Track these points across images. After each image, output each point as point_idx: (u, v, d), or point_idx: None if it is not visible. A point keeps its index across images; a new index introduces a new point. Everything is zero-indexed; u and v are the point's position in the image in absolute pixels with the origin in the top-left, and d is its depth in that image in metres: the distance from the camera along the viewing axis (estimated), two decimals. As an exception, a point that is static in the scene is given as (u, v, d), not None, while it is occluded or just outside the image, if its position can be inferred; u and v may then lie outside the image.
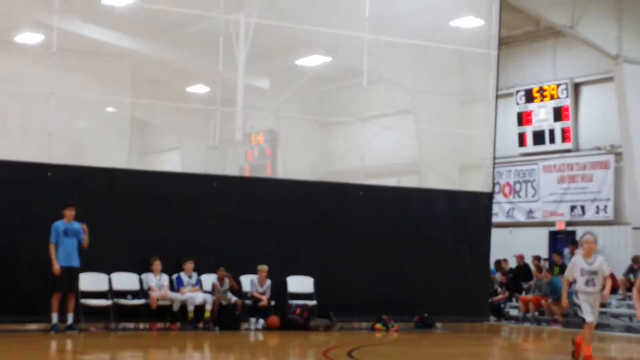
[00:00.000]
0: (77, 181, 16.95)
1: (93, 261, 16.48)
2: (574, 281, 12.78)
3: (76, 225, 16.12)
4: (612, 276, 14.26)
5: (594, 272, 12.67)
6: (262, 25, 19.59)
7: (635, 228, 23.77)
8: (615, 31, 23.35)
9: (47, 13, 17.76)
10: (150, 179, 18.29)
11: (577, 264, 12.75)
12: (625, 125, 23.59)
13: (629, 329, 21.82)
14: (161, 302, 17.45)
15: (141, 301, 17.34)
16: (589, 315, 12.68)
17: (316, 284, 18.77)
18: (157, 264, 17.50)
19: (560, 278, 22.99)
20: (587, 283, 12.70)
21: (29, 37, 20.39)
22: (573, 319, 22.46)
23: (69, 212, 16.11)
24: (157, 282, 17.51)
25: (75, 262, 16.18)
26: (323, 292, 18.67)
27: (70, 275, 16.12)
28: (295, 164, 24.39)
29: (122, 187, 17.46)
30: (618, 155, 24.51)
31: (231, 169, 21.26)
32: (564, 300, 13.29)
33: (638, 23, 23.67)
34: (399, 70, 22.68)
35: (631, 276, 22.05)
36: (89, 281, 16.86)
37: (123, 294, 17.36)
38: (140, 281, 17.57)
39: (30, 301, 16.19)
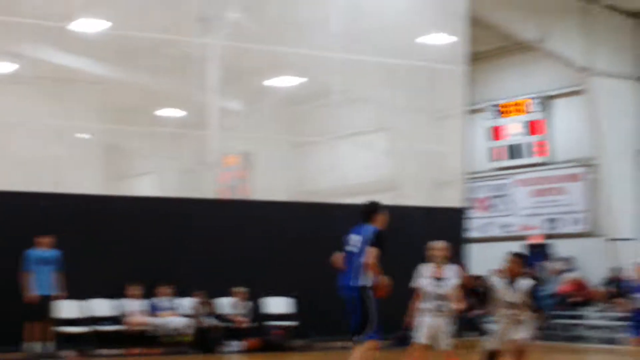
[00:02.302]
0: (51, 208, 16.86)
1: (69, 288, 16.38)
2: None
3: (53, 253, 16.01)
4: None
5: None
6: (232, 48, 19.63)
7: (609, 239, 23.93)
8: (583, 44, 23.56)
9: (17, 41, 17.72)
10: (125, 204, 18.23)
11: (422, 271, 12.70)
12: (597, 137, 23.79)
13: (605, 341, 21.92)
14: (139, 328, 17.35)
15: (119, 327, 17.24)
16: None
17: (296, 305, 18.74)
18: (135, 289, 17.42)
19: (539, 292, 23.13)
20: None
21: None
22: (550, 332, 22.56)
23: (45, 240, 16.01)
24: (134, 307, 17.41)
25: (51, 290, 16.06)
26: (303, 312, 18.65)
27: (47, 304, 16.00)
28: (271, 184, 24.37)
29: (96, 213, 17.39)
30: (591, 167, 24.69)
31: (206, 192, 21.19)
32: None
33: (605, 36, 23.90)
34: (371, 88, 22.77)
35: (609, 287, 22.18)
36: (65, 308, 16.75)
37: (101, 320, 17.25)
38: (118, 307, 17.47)
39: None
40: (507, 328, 10.96)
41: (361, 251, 10.14)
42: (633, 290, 14.28)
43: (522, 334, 11.00)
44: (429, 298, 12.03)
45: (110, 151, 23.59)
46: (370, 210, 10.50)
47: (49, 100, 19.91)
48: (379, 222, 10.39)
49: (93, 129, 21.77)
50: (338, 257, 10.41)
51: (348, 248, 10.30)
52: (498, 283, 11.11)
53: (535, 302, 10.67)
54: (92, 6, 19.48)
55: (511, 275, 10.91)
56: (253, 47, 20.14)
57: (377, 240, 10.15)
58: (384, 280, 10.18)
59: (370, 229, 10.27)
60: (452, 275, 12.12)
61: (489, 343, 11.10)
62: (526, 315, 11.01)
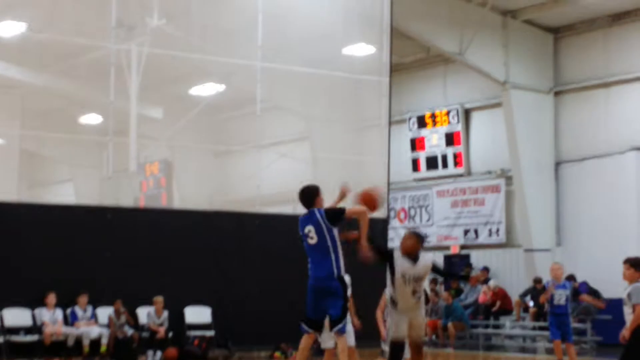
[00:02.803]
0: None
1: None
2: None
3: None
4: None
5: None
6: (154, 55, 19.47)
7: (526, 250, 24.29)
8: (502, 58, 23.91)
9: None
10: (42, 212, 17.92)
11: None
12: (514, 149, 24.14)
13: (522, 350, 22.24)
14: (55, 338, 17.05)
15: (34, 337, 16.93)
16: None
17: (214, 314, 18.62)
18: (52, 298, 17.13)
19: (457, 302, 23.38)
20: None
21: None
22: (469, 342, 22.81)
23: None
24: (50, 316, 17.12)
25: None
26: (221, 322, 18.54)
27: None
28: (191, 193, 24.22)
29: (11, 221, 17.06)
30: (508, 178, 25.04)
31: (126, 200, 20.98)
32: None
33: (524, 50, 24.30)
34: (293, 97, 22.79)
35: (527, 298, 22.50)
36: (-21, 318, 16.39)
37: (15, 330, 16.91)
38: (34, 317, 17.15)
39: None
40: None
41: (322, 241, 9.70)
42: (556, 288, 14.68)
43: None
44: None
45: (27, 157, 23.18)
46: (310, 195, 10.02)
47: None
48: (320, 205, 9.94)
49: (9, 135, 21.36)
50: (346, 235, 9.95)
51: (308, 241, 9.80)
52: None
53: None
54: (11, 9, 19.17)
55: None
56: (175, 54, 20.00)
57: (331, 218, 9.71)
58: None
59: (318, 213, 9.77)
60: None
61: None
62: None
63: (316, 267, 9.74)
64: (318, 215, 9.75)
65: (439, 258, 26.57)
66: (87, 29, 19.20)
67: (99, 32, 18.86)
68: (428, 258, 10.14)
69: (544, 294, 15.00)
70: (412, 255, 10.00)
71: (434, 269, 10.35)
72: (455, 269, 26.19)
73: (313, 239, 9.74)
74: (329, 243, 9.67)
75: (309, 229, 9.76)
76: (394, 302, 9.86)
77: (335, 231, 9.72)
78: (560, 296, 14.45)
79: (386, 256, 9.95)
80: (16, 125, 21.27)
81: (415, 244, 10.07)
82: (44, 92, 22.09)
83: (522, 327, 22.80)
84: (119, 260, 17.73)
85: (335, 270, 9.64)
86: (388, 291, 9.95)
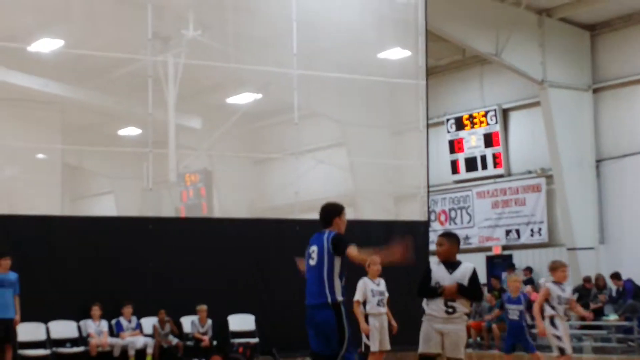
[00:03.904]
0: (9, 230, 16.70)
1: (30, 310, 16.20)
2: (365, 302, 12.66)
3: (12, 275, 15.80)
4: None
5: (382, 293, 12.78)
6: (190, 65, 19.61)
7: (569, 249, 24.12)
8: (539, 57, 23.81)
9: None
10: (85, 225, 18.11)
11: (366, 284, 12.74)
12: (554, 148, 24.00)
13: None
14: (101, 349, 17.21)
15: (80, 348, 17.10)
16: (375, 343, 12.55)
17: (257, 321, 18.69)
18: (97, 310, 17.29)
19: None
20: (379, 304, 12.76)
21: (-45, 88, 20.14)
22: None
23: (4, 262, 15.80)
24: (96, 328, 17.28)
25: (12, 313, 15.84)
26: (265, 329, 18.60)
27: (7, 327, 15.79)
28: (231, 202, 24.31)
29: (56, 234, 17.26)
30: (549, 178, 24.90)
31: (167, 211, 21.12)
32: (363, 325, 12.55)
33: (560, 48, 24.17)
34: (330, 104, 22.82)
35: (575, 296, 22.30)
36: (26, 331, 16.58)
37: (62, 342, 17.10)
38: (79, 328, 17.33)
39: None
40: None
41: (320, 263, 8.80)
42: (507, 302, 14.20)
43: None
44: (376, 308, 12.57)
45: (69, 171, 23.40)
46: (330, 213, 9.11)
47: (6, 121, 19.76)
48: (337, 226, 9.03)
49: (50, 150, 21.59)
50: (301, 263, 9.30)
51: (309, 262, 8.97)
52: None
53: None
54: (48, 26, 19.41)
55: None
56: (211, 65, 20.12)
57: (337, 247, 8.77)
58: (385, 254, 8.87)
59: (326, 236, 8.88)
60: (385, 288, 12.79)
61: None
62: None
63: (309, 293, 8.90)
64: (325, 237, 8.90)
65: (481, 259, 26.47)
66: (123, 42, 19.40)
67: (135, 45, 19.04)
68: (468, 268, 9.09)
69: (495, 311, 14.43)
70: (449, 261, 9.11)
71: (470, 281, 9.08)
72: (498, 270, 26.07)
73: (313, 260, 8.91)
74: (325, 269, 8.78)
75: (313, 249, 8.96)
76: (427, 313, 9.07)
77: (338, 260, 8.81)
78: (514, 311, 13.84)
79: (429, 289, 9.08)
80: (57, 140, 21.49)
81: (449, 248, 9.15)
82: (83, 107, 22.30)
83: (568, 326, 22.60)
84: (162, 270, 17.86)
85: (328, 297, 8.73)
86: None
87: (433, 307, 8.99)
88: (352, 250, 8.71)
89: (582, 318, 21.70)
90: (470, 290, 9.00)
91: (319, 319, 8.77)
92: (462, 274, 9.03)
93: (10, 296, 15.76)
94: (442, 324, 8.96)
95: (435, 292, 8.94)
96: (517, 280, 14.27)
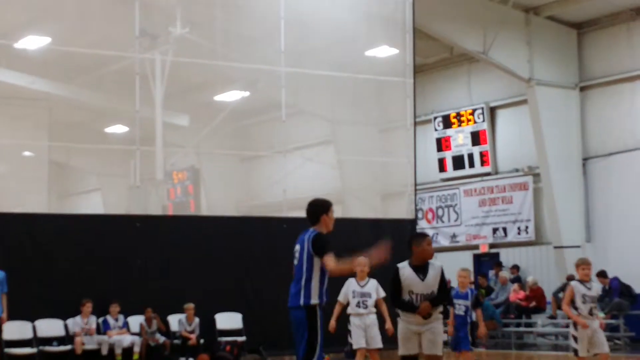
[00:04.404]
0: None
1: (16, 309, 16.14)
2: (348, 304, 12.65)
3: (0, 274, 15.74)
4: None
5: (367, 294, 12.68)
6: (178, 63, 19.58)
7: (556, 247, 24.18)
8: (526, 55, 23.85)
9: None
10: (72, 222, 18.06)
11: (350, 285, 12.70)
12: (541, 146, 24.05)
13: (555, 348, 22.15)
14: (88, 347, 17.16)
15: (67, 347, 17.05)
16: (361, 341, 12.50)
17: (245, 320, 18.68)
18: (88, 306, 17.14)
19: (488, 301, 23.27)
20: (358, 305, 12.66)
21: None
22: (501, 340, 22.73)
23: (-9, 261, 15.73)
24: (83, 324, 17.17)
25: (-1, 311, 15.79)
26: (252, 327, 18.59)
27: (-6, 325, 15.74)
28: (219, 200, 24.30)
29: (42, 232, 17.19)
30: (536, 176, 24.96)
31: (154, 208, 21.07)
32: (331, 322, 12.50)
33: (547, 46, 24.22)
34: (317, 101, 22.83)
35: (560, 294, 22.34)
36: (13, 329, 16.50)
37: (48, 340, 17.04)
38: (66, 327, 17.27)
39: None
40: None
41: (301, 263, 8.49)
42: (455, 297, 13.36)
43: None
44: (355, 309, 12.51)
45: (55, 169, 23.35)
46: (316, 210, 8.74)
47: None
48: (325, 223, 8.67)
49: (37, 147, 21.54)
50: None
51: (294, 261, 8.64)
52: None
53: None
54: (35, 23, 19.34)
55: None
56: (199, 62, 20.09)
57: (316, 249, 8.42)
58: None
59: (308, 235, 8.56)
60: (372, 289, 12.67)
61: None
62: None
63: (290, 293, 8.61)
64: (307, 236, 8.56)
65: (468, 257, 26.52)
66: (111, 39, 19.36)
67: (123, 43, 18.99)
68: (437, 269, 9.09)
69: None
70: (421, 265, 9.06)
71: (440, 284, 9.13)
72: (485, 268, 26.13)
73: (296, 260, 8.59)
74: (304, 269, 8.45)
75: (297, 248, 8.63)
76: (402, 314, 9.07)
77: (318, 262, 8.44)
78: (460, 306, 13.18)
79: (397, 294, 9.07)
80: (44, 137, 21.45)
81: (430, 249, 9.10)
82: (70, 104, 22.25)
83: (554, 324, 22.69)
84: (149, 268, 17.83)
85: (302, 299, 8.42)
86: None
87: (409, 315, 9.09)
88: (329, 262, 8.32)
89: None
90: (441, 299, 9.07)
91: (293, 321, 8.53)
92: (433, 278, 9.05)
93: (-3, 295, 15.71)
94: (418, 325, 9.07)
95: (411, 309, 8.94)
96: (466, 276, 13.59)
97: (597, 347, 11.48)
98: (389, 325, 12.53)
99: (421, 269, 9.01)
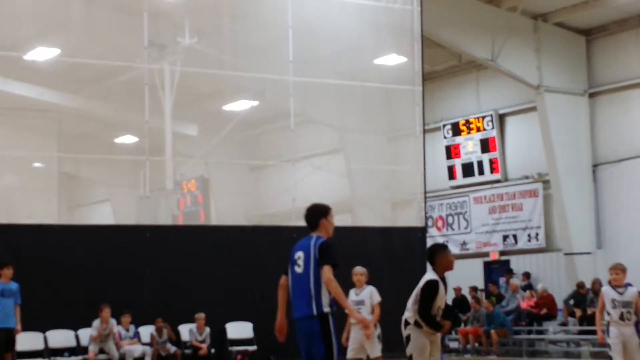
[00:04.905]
0: (6, 239, 16.66)
1: (27, 320, 16.14)
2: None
3: (13, 285, 15.74)
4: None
5: (361, 302, 12.59)
6: (186, 73, 19.62)
7: (566, 254, 24.12)
8: (534, 62, 23.84)
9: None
10: (82, 233, 18.09)
11: (349, 294, 12.55)
12: (550, 153, 24.01)
13: (566, 355, 22.07)
14: (100, 357, 17.16)
15: (78, 358, 17.07)
16: (351, 351, 12.40)
17: (255, 329, 18.66)
18: (107, 311, 17.04)
19: (499, 309, 23.19)
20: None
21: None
22: (512, 348, 22.66)
23: (7, 272, 15.71)
24: (102, 330, 17.05)
25: (12, 323, 15.77)
26: (262, 336, 18.55)
27: (8, 336, 15.72)
28: (228, 209, 24.31)
29: (53, 243, 17.22)
30: (546, 182, 24.91)
31: (164, 218, 21.09)
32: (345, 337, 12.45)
33: (556, 53, 24.20)
34: (326, 110, 22.83)
35: (572, 302, 22.26)
36: (24, 340, 16.50)
37: (60, 351, 17.06)
38: (77, 337, 17.29)
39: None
40: None
41: (307, 271, 8.23)
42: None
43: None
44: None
45: (65, 180, 23.40)
46: (316, 215, 8.49)
47: (2, 129, 19.75)
48: (324, 228, 8.43)
49: (47, 158, 21.59)
50: (283, 281, 8.70)
51: (295, 269, 8.37)
52: None
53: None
54: (44, 35, 19.42)
55: None
56: (207, 72, 20.14)
57: (322, 256, 8.15)
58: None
59: (313, 241, 8.27)
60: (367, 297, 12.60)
61: None
62: None
63: (295, 304, 8.40)
64: (312, 242, 8.27)
65: (478, 265, 26.49)
66: (120, 50, 19.41)
67: (132, 53, 19.04)
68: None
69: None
70: (443, 277, 8.87)
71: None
72: (496, 275, 26.08)
73: (299, 267, 8.32)
74: (312, 277, 8.21)
75: (299, 255, 8.34)
76: (419, 325, 8.87)
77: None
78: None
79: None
80: (53, 148, 21.50)
81: (453, 260, 8.95)
82: (79, 115, 22.31)
83: (565, 331, 22.61)
84: (160, 278, 17.84)
85: (314, 309, 8.20)
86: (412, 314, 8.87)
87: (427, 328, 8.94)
88: (328, 273, 8.09)
89: (580, 322, 21.75)
90: (451, 312, 8.99)
91: (305, 331, 8.32)
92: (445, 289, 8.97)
93: (11, 306, 15.67)
94: (432, 336, 8.99)
95: (438, 328, 8.86)
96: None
97: (630, 353, 11.03)
98: (368, 331, 12.14)
99: (444, 281, 8.90)
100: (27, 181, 21.66)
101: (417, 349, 8.88)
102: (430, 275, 8.85)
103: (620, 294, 11.16)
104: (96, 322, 17.17)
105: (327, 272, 8.08)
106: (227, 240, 18.87)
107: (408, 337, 8.91)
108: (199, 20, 20.48)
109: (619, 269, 11.26)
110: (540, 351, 22.82)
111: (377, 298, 12.75)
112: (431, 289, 8.77)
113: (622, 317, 11.07)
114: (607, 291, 11.31)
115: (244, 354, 18.31)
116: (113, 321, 17.28)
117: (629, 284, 11.36)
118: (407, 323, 8.90)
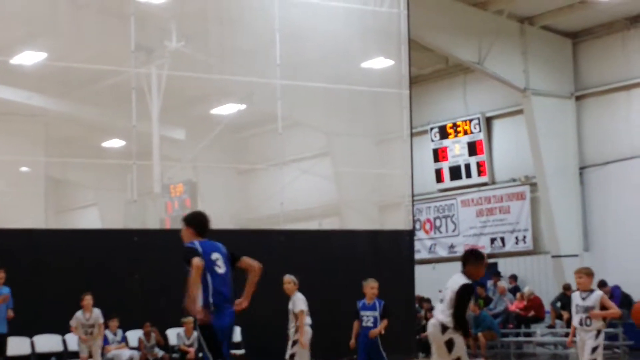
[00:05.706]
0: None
1: (14, 324, 16.13)
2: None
3: (5, 290, 15.70)
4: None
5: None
6: (174, 77, 19.61)
7: (554, 256, 24.18)
8: (521, 65, 23.90)
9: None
10: (69, 237, 18.05)
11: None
12: (538, 155, 24.07)
13: (554, 357, 22.12)
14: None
15: (66, 362, 17.03)
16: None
17: (243, 333, 18.65)
18: (88, 299, 16.47)
19: (486, 311, 23.23)
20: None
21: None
22: (500, 351, 22.71)
23: (-1, 276, 15.67)
24: (84, 320, 16.71)
25: (3, 328, 15.74)
26: (250, 340, 18.55)
27: (0, 342, 15.68)
28: (216, 213, 24.10)
29: (40, 248, 17.18)
30: (533, 185, 24.97)
31: (151, 222, 21.06)
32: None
33: (543, 56, 24.27)
34: (314, 114, 22.85)
35: (558, 304, 22.29)
36: (11, 345, 16.43)
37: (47, 356, 17.01)
38: (64, 342, 17.23)
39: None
40: None
41: (228, 269, 8.63)
42: (362, 309, 12.90)
43: None
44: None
45: (52, 184, 23.36)
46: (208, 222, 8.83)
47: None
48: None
49: (34, 162, 21.54)
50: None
51: (219, 270, 8.52)
52: None
53: None
54: (31, 39, 19.37)
55: None
56: (195, 76, 20.13)
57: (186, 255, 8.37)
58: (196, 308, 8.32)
59: (222, 244, 8.77)
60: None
61: None
62: None
63: (227, 296, 8.64)
64: (221, 244, 8.79)
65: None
66: (107, 54, 19.39)
67: (119, 57, 19.03)
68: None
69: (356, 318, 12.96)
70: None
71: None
72: (483, 278, 26.10)
73: (220, 268, 8.58)
74: (230, 274, 8.70)
75: (217, 256, 8.61)
76: (457, 328, 8.77)
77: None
78: (368, 318, 12.75)
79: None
80: (40, 152, 21.45)
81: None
82: (66, 119, 22.27)
83: (552, 334, 22.67)
84: (148, 283, 17.81)
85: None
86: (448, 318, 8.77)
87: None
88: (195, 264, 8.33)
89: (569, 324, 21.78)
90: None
91: (231, 322, 8.65)
92: None
93: (3, 310, 15.66)
94: None
95: (467, 334, 8.84)
96: (373, 287, 12.97)
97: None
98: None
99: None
100: (14, 186, 21.58)
101: (463, 351, 8.79)
102: (462, 278, 8.94)
103: (583, 299, 10.99)
104: (79, 313, 16.67)
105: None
106: (215, 244, 18.81)
107: (451, 341, 8.74)
108: (186, 24, 20.47)
109: (582, 273, 11.13)
110: (528, 354, 22.88)
111: (299, 307, 12.87)
112: (468, 292, 8.88)
113: (580, 323, 10.95)
114: (574, 296, 11.18)
115: (232, 357, 18.29)
116: (97, 311, 16.40)
117: (594, 290, 11.10)
118: (445, 327, 8.77)
